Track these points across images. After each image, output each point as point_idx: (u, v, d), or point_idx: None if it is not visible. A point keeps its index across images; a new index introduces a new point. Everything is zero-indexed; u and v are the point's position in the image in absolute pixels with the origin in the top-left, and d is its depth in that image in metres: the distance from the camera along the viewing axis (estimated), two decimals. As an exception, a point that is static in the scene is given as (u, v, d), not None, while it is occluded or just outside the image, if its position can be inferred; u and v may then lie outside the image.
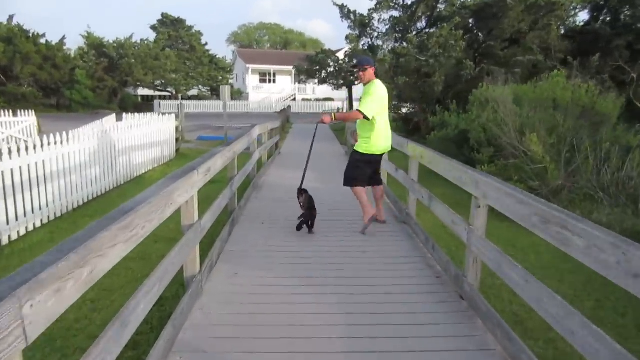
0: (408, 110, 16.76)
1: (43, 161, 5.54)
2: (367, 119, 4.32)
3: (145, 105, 35.18)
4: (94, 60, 31.64)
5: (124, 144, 8.09)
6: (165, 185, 2.44)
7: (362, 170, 4.62)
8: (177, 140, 11.63)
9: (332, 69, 17.39)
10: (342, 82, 17.96)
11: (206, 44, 41.41)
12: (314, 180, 7.67)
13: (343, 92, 29.69)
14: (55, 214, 5.85)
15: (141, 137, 8.85)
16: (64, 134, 6.23)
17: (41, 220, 5.52)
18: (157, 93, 38.75)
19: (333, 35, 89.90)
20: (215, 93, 39.64)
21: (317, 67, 17.52)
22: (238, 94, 41.75)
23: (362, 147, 4.56)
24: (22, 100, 30.97)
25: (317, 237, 4.44)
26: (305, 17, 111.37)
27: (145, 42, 34.46)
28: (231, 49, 55.38)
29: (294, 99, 40.81)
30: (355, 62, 17.05)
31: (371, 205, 4.71)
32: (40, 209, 5.47)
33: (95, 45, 31.97)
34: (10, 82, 30.04)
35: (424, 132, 14.87)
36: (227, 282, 3.31)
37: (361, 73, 4.48)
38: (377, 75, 4.61)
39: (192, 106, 35.53)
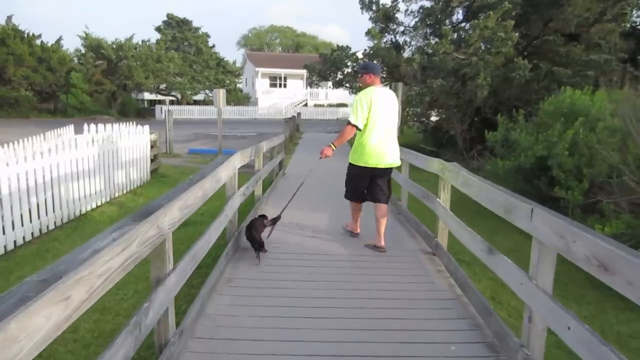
0: (439, 117, 14.10)
1: None
2: (359, 129, 4.14)
3: (149, 111, 33.06)
4: (92, 63, 29.56)
5: (58, 170, 5.67)
6: None
7: (353, 183, 4.39)
8: (154, 158, 9.21)
9: (349, 69, 14.85)
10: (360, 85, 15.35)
11: (213, 46, 39.28)
12: (326, 231, 4.96)
13: (359, 97, 27.04)
14: None
15: (87, 160, 6.41)
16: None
17: None
18: (164, 97, 36.63)
19: (349, 41, 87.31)
20: (223, 97, 37.39)
21: (333, 68, 14.98)
22: (246, 99, 39.46)
23: (350, 157, 4.37)
24: (16, 104, 29.06)
25: None
26: (320, 22, 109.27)
27: (147, 43, 32.29)
28: (241, 53, 53.18)
29: (306, 105, 38.35)
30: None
31: (358, 225, 4.60)
32: None
33: (93, 46, 29.90)
34: (3, 85, 28.16)
35: (461, 148, 12.22)
36: None
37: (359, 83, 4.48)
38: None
39: (196, 112, 33.39)
